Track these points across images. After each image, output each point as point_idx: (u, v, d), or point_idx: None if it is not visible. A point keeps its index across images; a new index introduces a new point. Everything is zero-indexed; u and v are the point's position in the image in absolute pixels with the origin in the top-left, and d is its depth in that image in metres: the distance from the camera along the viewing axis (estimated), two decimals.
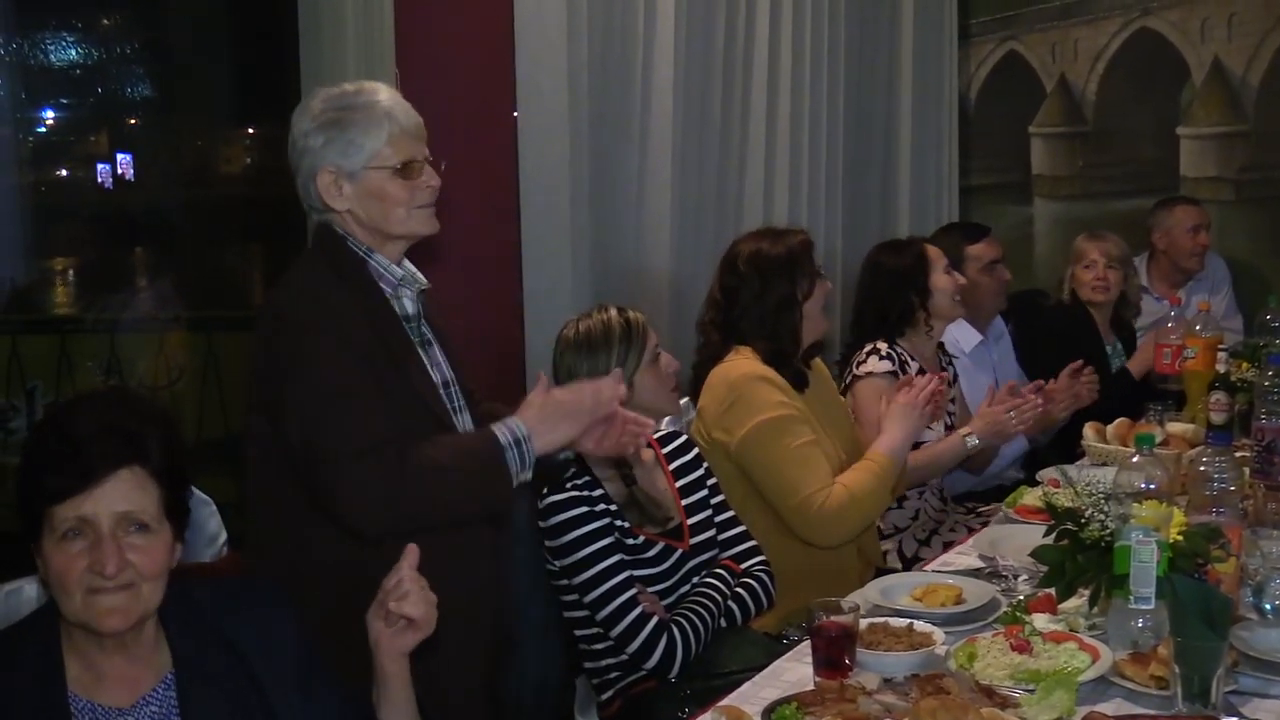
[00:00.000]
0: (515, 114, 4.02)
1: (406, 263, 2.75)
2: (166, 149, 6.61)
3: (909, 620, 2.73)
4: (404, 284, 2.71)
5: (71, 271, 6.66)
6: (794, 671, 2.62)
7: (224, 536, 2.87)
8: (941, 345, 4.38)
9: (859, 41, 5.61)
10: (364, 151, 2.66)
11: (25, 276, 6.41)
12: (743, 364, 3.55)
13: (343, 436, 2.50)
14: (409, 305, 2.72)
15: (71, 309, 6.35)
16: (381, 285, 2.69)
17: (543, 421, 2.57)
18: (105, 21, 6.72)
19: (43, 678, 2.08)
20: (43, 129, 6.82)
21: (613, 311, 3.19)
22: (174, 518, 2.13)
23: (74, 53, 6.73)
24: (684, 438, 3.37)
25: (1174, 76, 6.24)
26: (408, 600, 2.19)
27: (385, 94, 2.71)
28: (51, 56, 6.70)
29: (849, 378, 4.07)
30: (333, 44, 3.54)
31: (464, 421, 2.75)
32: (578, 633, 3.11)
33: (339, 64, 3.52)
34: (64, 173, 6.91)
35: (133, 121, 6.79)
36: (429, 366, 2.70)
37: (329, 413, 2.54)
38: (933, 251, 4.17)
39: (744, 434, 3.43)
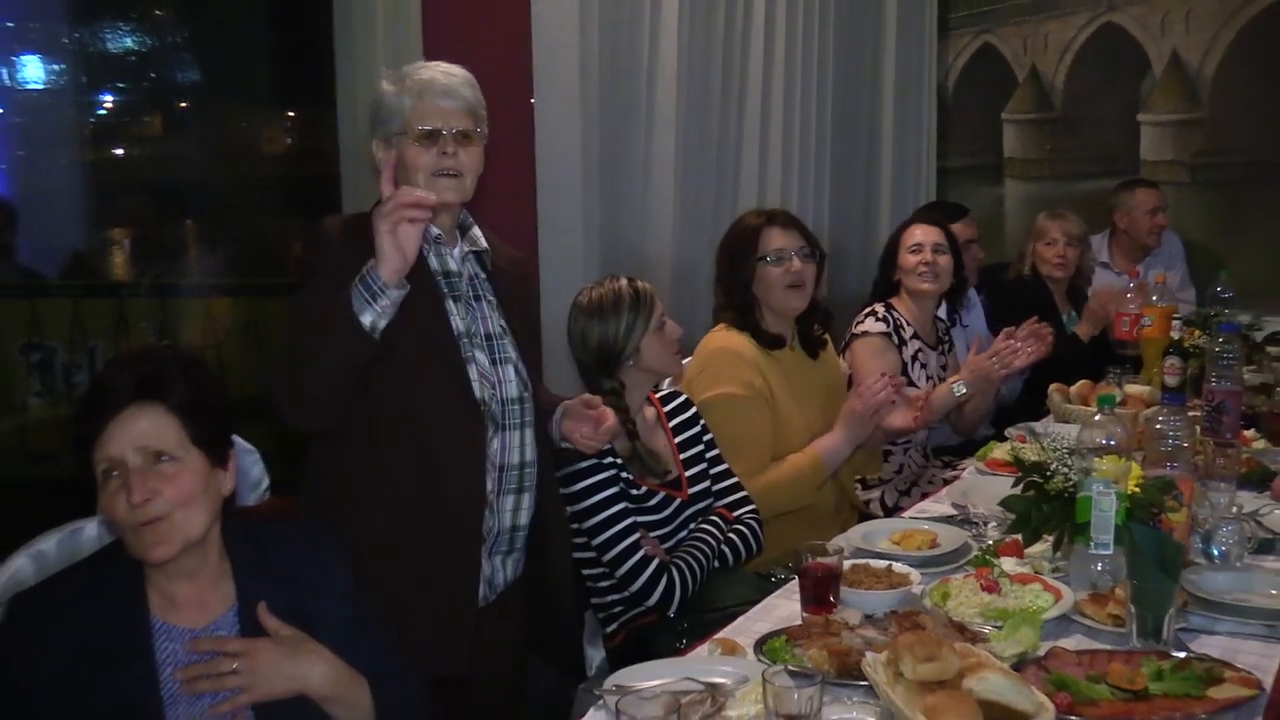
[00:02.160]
0: (533, 100, 4.01)
1: (475, 231, 2.75)
2: (214, 130, 6.62)
3: (888, 562, 2.73)
4: (439, 242, 2.69)
5: (128, 241, 6.67)
6: (783, 608, 2.63)
7: (266, 482, 2.86)
8: (939, 315, 4.42)
9: (846, 34, 5.58)
10: (396, 120, 2.66)
11: (86, 245, 6.44)
12: (718, 336, 3.59)
13: (280, 351, 2.59)
14: (451, 262, 2.70)
15: (128, 275, 6.36)
16: (429, 239, 2.65)
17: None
18: (157, 12, 6.72)
19: (129, 603, 2.12)
20: (102, 111, 6.83)
21: (623, 281, 3.19)
22: (206, 447, 2.13)
23: (129, 41, 6.73)
24: (684, 397, 3.36)
25: (1136, 68, 6.26)
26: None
27: (430, 71, 2.69)
28: (109, 45, 6.71)
29: (848, 337, 4.11)
30: (363, 33, 3.53)
31: (498, 371, 2.71)
32: (585, 572, 3.11)
33: (369, 52, 3.52)
34: (120, 151, 6.92)
35: (183, 105, 6.79)
36: (453, 315, 2.66)
37: (287, 335, 2.63)
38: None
39: (704, 399, 3.44)
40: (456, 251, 2.72)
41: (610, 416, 2.78)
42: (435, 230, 2.67)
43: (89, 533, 2.37)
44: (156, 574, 2.13)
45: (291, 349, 2.52)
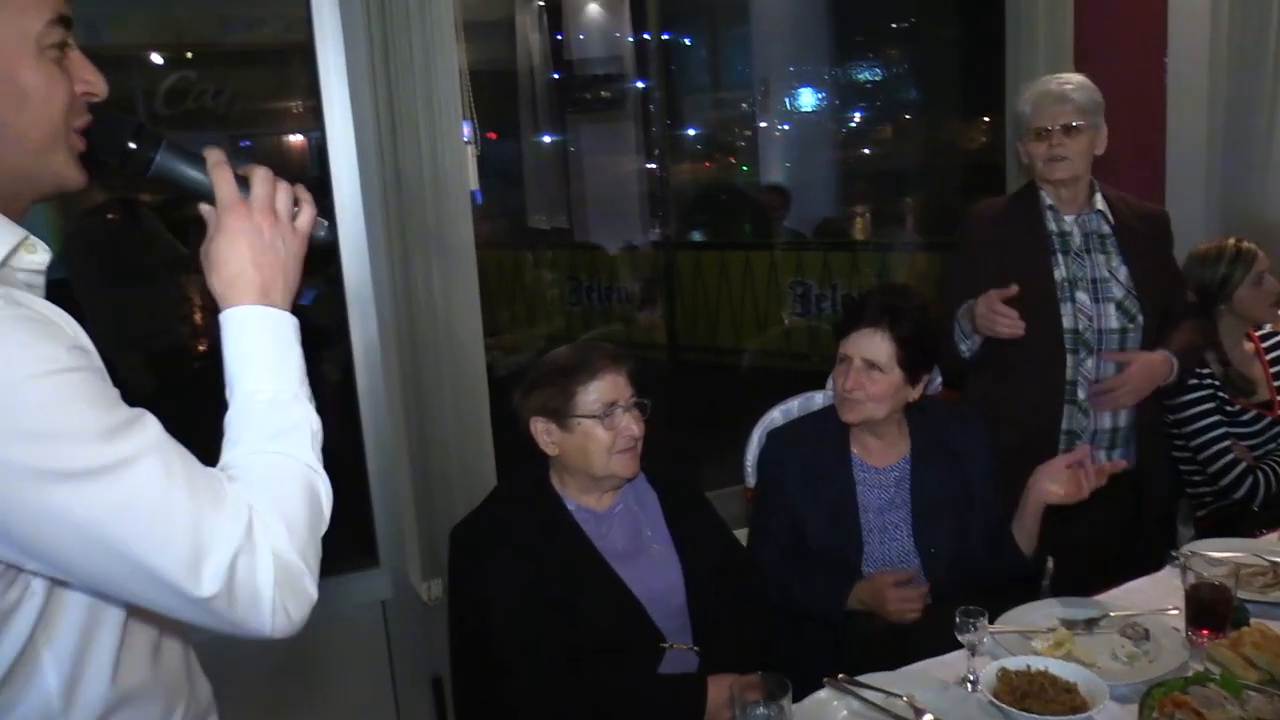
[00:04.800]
0: (1166, 92, 3.65)
1: (1098, 196, 2.61)
2: (926, 134, 6.64)
3: None
4: (1053, 209, 2.60)
5: (864, 213, 6.88)
6: None
7: (939, 380, 2.94)
8: None
9: None
10: (1021, 123, 2.62)
11: (835, 215, 6.74)
12: None
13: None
14: (1065, 224, 2.59)
15: (861, 236, 6.59)
16: (1044, 209, 2.59)
17: None
18: (891, 51, 6.84)
19: (839, 444, 2.30)
20: (852, 125, 7.09)
21: (1231, 240, 2.89)
22: (907, 370, 2.22)
23: (869, 74, 6.92)
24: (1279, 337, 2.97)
25: None
26: (1056, 482, 2.16)
27: (1047, 84, 2.58)
28: (856, 77, 6.94)
29: None
30: (1028, 55, 3.41)
31: (1098, 308, 2.56)
32: (1182, 468, 2.87)
33: (1031, 69, 3.37)
34: (863, 151, 7.14)
35: (906, 117, 6.87)
36: (1058, 266, 2.56)
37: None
38: None
39: None
40: (1069, 216, 2.60)
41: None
42: (1049, 200, 2.60)
43: (817, 399, 2.61)
44: (856, 429, 2.30)
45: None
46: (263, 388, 1.11)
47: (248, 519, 1.01)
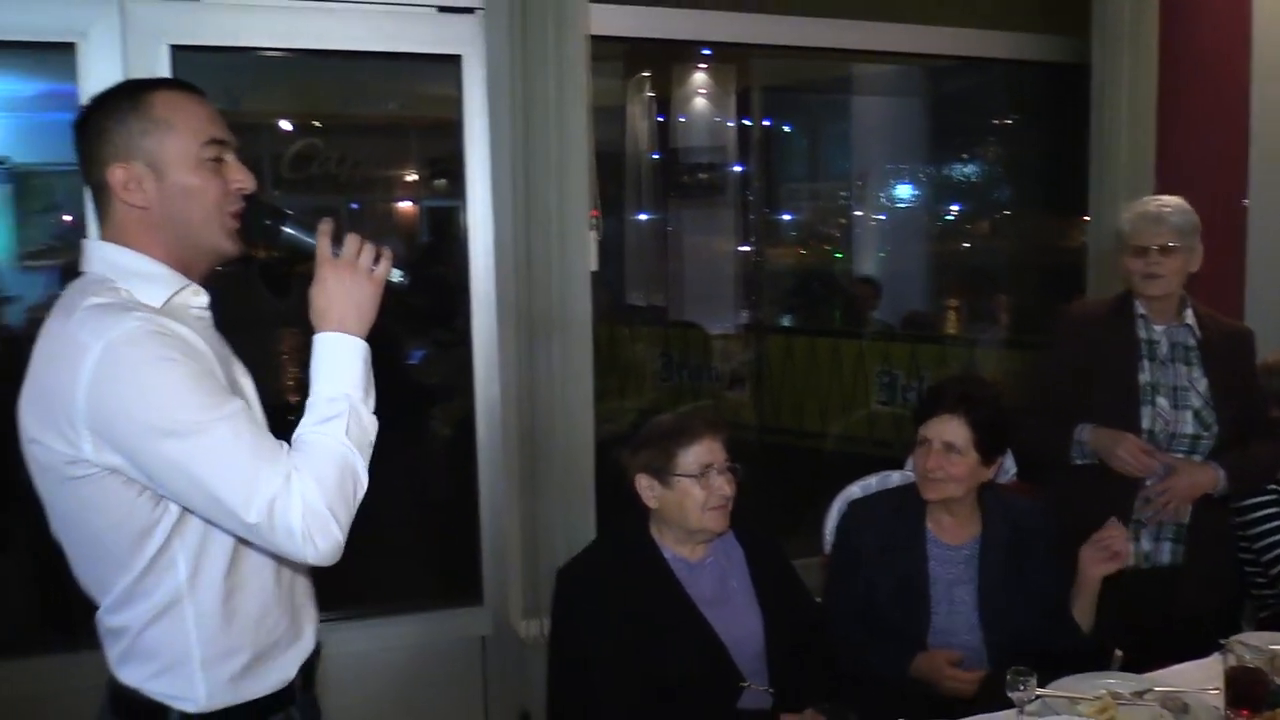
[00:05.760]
0: (1247, 218, 3.83)
1: (1189, 310, 2.77)
2: (1021, 231, 6.78)
3: None
4: (1145, 318, 2.77)
5: (955, 306, 6.99)
6: None
7: (1014, 470, 3.08)
8: None
9: None
10: (1122, 238, 2.79)
11: (924, 308, 6.90)
12: None
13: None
14: (1153, 333, 2.76)
15: (951, 329, 6.70)
16: (1136, 317, 2.78)
17: None
18: (988, 150, 7.05)
19: (915, 520, 2.51)
20: (948, 218, 7.29)
21: None
22: (983, 453, 2.44)
23: (965, 171, 7.15)
24: None
25: None
26: (1116, 542, 2.39)
27: (1148, 205, 2.76)
28: (953, 174, 7.17)
29: None
30: (1109, 180, 3.61)
31: (1177, 414, 2.72)
32: (1247, 569, 3.01)
33: (1113, 179, 3.57)
34: (961, 246, 7.31)
35: (1006, 212, 7.04)
36: (1143, 371, 2.73)
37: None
38: None
39: None
40: (1159, 326, 2.78)
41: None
42: (1142, 310, 2.78)
43: (894, 478, 2.84)
44: (933, 507, 2.53)
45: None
46: (323, 388, 1.52)
47: (287, 474, 1.42)
